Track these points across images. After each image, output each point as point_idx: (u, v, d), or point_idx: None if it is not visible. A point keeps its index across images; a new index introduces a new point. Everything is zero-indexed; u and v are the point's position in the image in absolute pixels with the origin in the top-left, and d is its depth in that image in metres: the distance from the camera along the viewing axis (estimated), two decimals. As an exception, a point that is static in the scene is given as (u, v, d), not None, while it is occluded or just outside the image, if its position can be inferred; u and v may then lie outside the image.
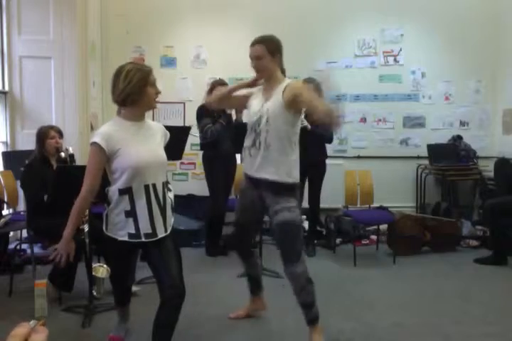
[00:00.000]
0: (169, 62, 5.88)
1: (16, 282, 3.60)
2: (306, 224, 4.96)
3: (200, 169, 5.53)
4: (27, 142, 4.47)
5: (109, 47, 5.77)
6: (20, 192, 4.11)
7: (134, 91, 2.28)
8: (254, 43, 2.64)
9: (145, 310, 2.74)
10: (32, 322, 0.86)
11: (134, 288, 3.24)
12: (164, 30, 5.84)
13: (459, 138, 5.82)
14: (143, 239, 2.34)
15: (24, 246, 4.35)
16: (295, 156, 2.64)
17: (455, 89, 5.98)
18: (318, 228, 5.25)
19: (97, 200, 2.49)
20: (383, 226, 5.03)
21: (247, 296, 3.16)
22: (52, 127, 3.67)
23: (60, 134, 3.64)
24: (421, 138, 5.95)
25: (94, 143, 2.28)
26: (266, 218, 2.91)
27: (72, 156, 3.48)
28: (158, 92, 2.39)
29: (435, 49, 5.93)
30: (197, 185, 5.63)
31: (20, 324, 0.85)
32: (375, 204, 5.14)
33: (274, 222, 2.64)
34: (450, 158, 5.55)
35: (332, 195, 5.33)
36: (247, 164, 2.75)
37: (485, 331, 2.98)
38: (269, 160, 2.58)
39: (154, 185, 2.35)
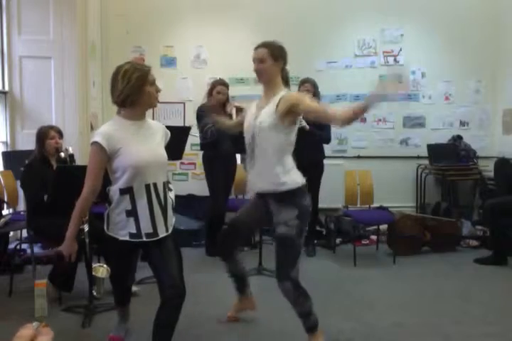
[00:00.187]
0: (169, 62, 5.88)
1: (16, 282, 3.60)
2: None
3: (200, 169, 5.53)
4: (27, 142, 4.47)
5: (109, 47, 5.77)
6: (20, 192, 4.11)
7: (133, 91, 2.28)
8: (257, 46, 2.65)
9: (145, 310, 2.74)
10: (34, 324, 0.86)
11: (134, 288, 3.24)
12: (164, 30, 5.83)
13: (459, 138, 5.82)
14: (144, 239, 2.34)
15: (24, 246, 4.35)
16: (290, 163, 2.61)
17: (455, 89, 5.98)
18: (318, 228, 5.25)
19: (98, 200, 2.49)
20: (383, 226, 5.03)
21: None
22: (52, 127, 3.67)
23: (60, 134, 3.64)
24: (421, 138, 5.95)
25: (95, 143, 2.27)
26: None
27: (72, 156, 3.48)
28: (158, 90, 2.39)
29: (435, 49, 5.93)
30: (197, 185, 5.63)
31: (24, 325, 0.85)
32: (375, 204, 5.15)
33: (275, 234, 2.64)
34: (450, 158, 5.54)
35: (332, 195, 5.33)
36: (248, 178, 2.74)
37: (485, 331, 2.98)
38: (265, 173, 2.58)
39: (155, 185, 2.35)
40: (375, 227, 5.15)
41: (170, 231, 2.42)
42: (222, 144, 4.49)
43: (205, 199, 4.97)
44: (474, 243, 5.06)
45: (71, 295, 3.43)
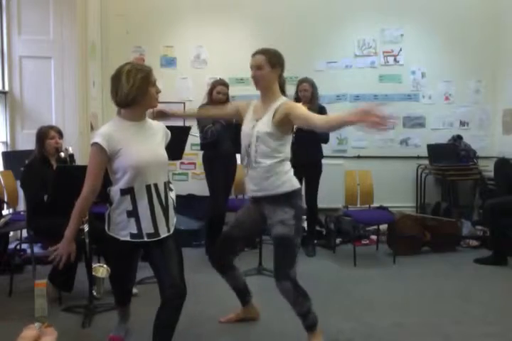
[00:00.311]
0: (169, 62, 5.88)
1: (15, 282, 3.60)
2: (305, 224, 4.97)
3: (200, 169, 5.53)
4: (27, 142, 4.47)
5: (109, 47, 5.77)
6: (20, 192, 4.11)
7: (138, 92, 2.29)
8: (255, 53, 2.65)
9: (145, 310, 2.74)
10: (37, 325, 0.86)
11: (134, 289, 3.24)
12: (164, 30, 5.84)
13: (459, 138, 5.82)
14: (145, 239, 2.35)
15: (24, 246, 4.35)
16: (286, 168, 2.63)
17: (455, 89, 5.98)
18: (318, 228, 5.25)
19: (98, 200, 2.49)
20: (383, 226, 5.03)
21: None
22: (52, 127, 3.67)
23: (60, 134, 3.63)
24: (421, 138, 5.95)
25: (95, 144, 2.28)
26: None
27: (71, 156, 3.48)
28: (158, 91, 2.40)
29: (435, 49, 5.93)
30: (197, 185, 5.63)
31: (27, 326, 0.85)
32: (375, 204, 5.15)
33: (271, 235, 2.66)
34: (450, 158, 5.54)
35: (332, 195, 5.34)
36: (245, 183, 2.76)
37: (485, 331, 2.98)
38: (261, 178, 2.60)
39: (156, 185, 2.35)
40: (375, 227, 5.15)
41: (172, 231, 2.42)
42: (223, 144, 4.49)
43: (205, 199, 4.97)
44: (474, 243, 5.06)
45: (71, 295, 3.43)
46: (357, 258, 4.44)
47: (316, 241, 4.94)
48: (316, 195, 4.73)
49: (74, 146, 3.71)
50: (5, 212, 4.27)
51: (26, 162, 3.57)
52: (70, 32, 5.01)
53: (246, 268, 3.84)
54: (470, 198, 5.81)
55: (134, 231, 2.34)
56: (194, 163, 5.83)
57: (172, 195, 2.47)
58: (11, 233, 4.36)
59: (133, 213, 2.33)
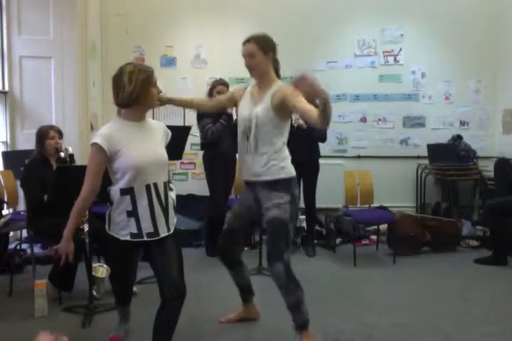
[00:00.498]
0: (169, 62, 5.88)
1: (15, 282, 3.60)
2: (304, 224, 4.98)
3: (200, 169, 5.53)
4: (27, 142, 4.47)
5: (109, 47, 5.77)
6: (20, 192, 4.11)
7: (140, 93, 2.29)
8: (245, 42, 2.65)
9: (145, 310, 2.75)
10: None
11: (135, 289, 3.24)
12: (164, 30, 5.83)
13: (459, 138, 5.81)
14: (145, 238, 2.35)
15: (24, 246, 4.35)
16: (285, 154, 2.64)
17: (455, 89, 5.98)
18: (318, 228, 5.25)
19: (98, 200, 2.49)
20: (383, 226, 5.03)
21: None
22: (52, 127, 3.67)
23: (60, 134, 3.64)
24: (421, 138, 5.95)
25: (95, 144, 2.28)
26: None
27: (71, 156, 3.49)
28: (159, 92, 2.40)
29: (435, 49, 5.92)
30: (197, 185, 5.63)
31: (41, 334, 0.85)
32: (375, 204, 5.15)
33: (265, 220, 2.64)
34: (450, 158, 5.54)
35: (332, 195, 5.34)
36: (241, 169, 2.75)
37: (485, 331, 2.98)
38: (259, 163, 2.59)
39: (155, 185, 2.35)
40: (375, 227, 5.15)
41: (172, 230, 2.42)
42: (223, 144, 4.50)
43: (205, 199, 4.97)
44: (474, 243, 5.06)
45: (71, 295, 3.43)
46: (357, 258, 4.44)
47: (316, 241, 4.94)
48: (314, 195, 4.72)
49: (74, 146, 3.72)
50: (5, 212, 4.27)
51: (26, 162, 3.57)
52: (70, 32, 5.01)
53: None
54: (470, 198, 5.81)
55: (134, 230, 2.34)
56: (194, 163, 5.83)
57: (172, 194, 2.48)
58: (11, 233, 4.36)
59: (133, 213, 2.33)
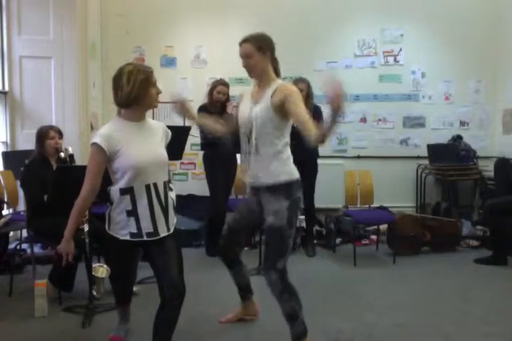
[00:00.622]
0: (169, 62, 5.88)
1: (15, 282, 3.60)
2: (303, 224, 4.97)
3: (200, 169, 5.53)
4: (27, 142, 4.47)
5: (109, 47, 5.77)
6: (20, 192, 4.11)
7: (139, 93, 2.29)
8: (242, 42, 2.61)
9: (145, 310, 2.75)
10: None
11: (135, 288, 3.24)
12: (164, 30, 5.84)
13: (459, 138, 5.82)
14: (145, 238, 2.35)
15: (24, 246, 4.36)
16: (286, 155, 2.59)
17: (455, 89, 5.97)
18: (318, 228, 5.26)
19: (98, 200, 2.49)
20: (383, 226, 5.03)
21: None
22: (52, 127, 3.67)
23: (60, 134, 3.64)
24: (421, 138, 5.95)
25: (95, 144, 2.28)
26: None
27: (71, 156, 3.49)
28: (159, 92, 2.40)
29: (435, 49, 5.92)
30: (197, 185, 5.63)
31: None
32: (375, 204, 5.15)
33: (264, 225, 2.61)
34: (450, 158, 5.54)
35: (332, 195, 5.34)
36: (244, 171, 2.71)
37: (485, 331, 2.98)
38: (260, 165, 2.55)
39: (155, 185, 2.36)
40: (375, 227, 5.15)
41: (171, 230, 2.42)
42: (223, 144, 4.49)
43: (205, 199, 4.97)
44: (474, 243, 5.06)
45: (71, 295, 3.43)
46: (357, 258, 4.44)
47: (316, 241, 4.94)
48: (312, 194, 4.71)
49: (74, 146, 3.72)
50: (5, 212, 4.27)
51: (26, 162, 3.57)
52: (70, 32, 5.01)
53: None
54: (470, 198, 5.81)
55: (134, 230, 2.35)
56: (194, 163, 5.83)
57: (172, 194, 2.48)
58: (11, 233, 4.36)
59: (132, 212, 2.33)
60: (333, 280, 3.98)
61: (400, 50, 5.92)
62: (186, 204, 5.28)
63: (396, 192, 5.82)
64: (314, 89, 4.71)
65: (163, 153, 2.45)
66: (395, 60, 5.94)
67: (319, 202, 4.87)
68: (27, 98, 5.02)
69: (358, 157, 5.93)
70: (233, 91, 4.79)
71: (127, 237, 2.36)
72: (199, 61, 5.89)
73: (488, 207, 4.62)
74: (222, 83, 4.58)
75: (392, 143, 6.00)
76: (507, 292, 3.74)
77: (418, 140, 5.97)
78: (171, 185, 2.49)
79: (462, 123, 6.02)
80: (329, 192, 5.23)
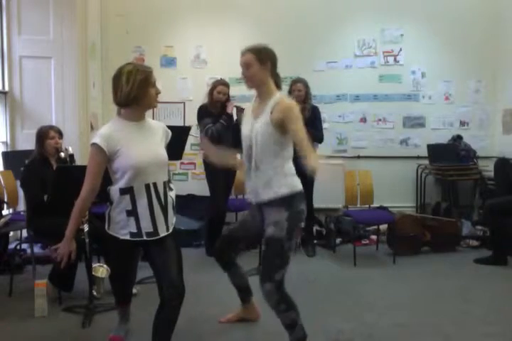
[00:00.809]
0: (169, 62, 5.88)
1: (15, 282, 3.60)
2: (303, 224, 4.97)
3: (200, 169, 5.53)
4: (27, 142, 4.47)
5: (109, 47, 5.77)
6: (20, 192, 4.11)
7: (138, 93, 2.29)
8: (243, 52, 2.59)
9: (145, 310, 2.75)
10: None
11: (134, 289, 3.24)
12: (164, 30, 5.83)
13: (459, 138, 5.82)
14: (144, 238, 2.36)
15: (24, 246, 4.35)
16: (288, 168, 2.56)
17: (455, 89, 5.97)
18: (318, 228, 5.26)
19: (98, 200, 2.49)
20: (383, 226, 5.03)
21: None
22: (52, 127, 3.67)
23: (60, 134, 3.64)
24: (421, 138, 5.95)
25: (94, 144, 2.29)
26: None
27: (71, 156, 3.49)
28: (158, 92, 2.40)
29: (435, 49, 5.92)
30: (197, 185, 5.63)
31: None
32: (375, 204, 5.15)
33: (265, 234, 2.58)
34: (450, 158, 5.54)
35: (332, 195, 5.34)
36: (247, 187, 2.68)
37: (485, 331, 2.98)
38: (262, 180, 2.53)
39: (155, 184, 2.36)
40: (375, 227, 5.15)
41: (170, 230, 2.43)
42: (223, 144, 4.49)
43: (205, 199, 4.97)
44: (474, 243, 5.06)
45: (71, 295, 3.43)
46: (357, 258, 4.44)
47: (316, 241, 4.94)
48: (311, 195, 4.71)
49: (74, 146, 3.72)
50: (5, 212, 4.27)
51: (26, 162, 3.57)
52: (70, 32, 5.01)
53: (246, 268, 3.82)
54: (470, 198, 5.81)
55: (134, 230, 2.35)
56: (194, 163, 5.83)
57: (172, 194, 2.48)
58: (11, 233, 4.36)
59: (132, 212, 2.34)
60: (333, 280, 3.98)
61: (400, 50, 5.92)
62: (186, 204, 5.28)
63: (396, 192, 5.82)
64: (313, 89, 4.71)
65: (163, 153, 2.45)
66: (395, 60, 5.94)
67: (319, 202, 4.87)
68: (27, 98, 5.02)
69: (358, 157, 5.93)
70: (233, 91, 4.80)
71: (127, 237, 2.36)
72: (199, 61, 5.89)
73: (488, 207, 4.61)
74: (222, 83, 4.58)
75: (392, 143, 6.00)
76: (507, 292, 3.74)
77: (418, 140, 5.97)
78: (171, 185, 2.50)
79: (462, 123, 6.02)
80: (329, 192, 5.23)
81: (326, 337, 2.86)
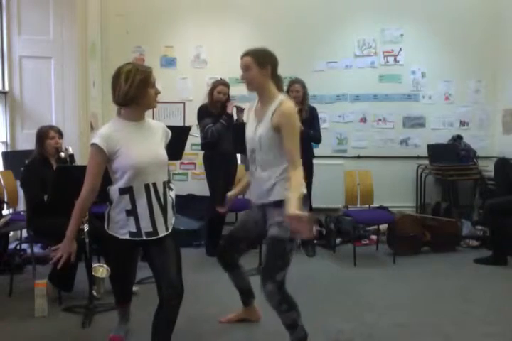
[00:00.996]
0: (169, 62, 5.88)
1: (15, 282, 3.60)
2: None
3: (200, 169, 5.54)
4: (27, 142, 4.48)
5: (109, 47, 5.77)
6: (20, 192, 4.11)
7: (137, 93, 2.29)
8: (243, 55, 2.59)
9: (145, 309, 2.74)
10: None
11: (134, 288, 3.24)
12: (164, 30, 5.84)
13: (459, 138, 5.82)
14: (144, 237, 2.36)
15: (24, 246, 4.35)
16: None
17: (455, 89, 5.98)
18: (318, 228, 5.25)
19: (98, 200, 2.49)
20: (383, 226, 5.03)
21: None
22: (52, 127, 3.67)
23: (60, 134, 3.64)
24: (421, 138, 5.95)
25: (94, 145, 2.29)
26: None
27: (72, 156, 3.49)
28: (157, 93, 2.40)
29: (435, 49, 5.93)
30: (197, 185, 5.64)
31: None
32: (375, 204, 5.15)
33: (267, 235, 2.58)
34: (450, 158, 5.54)
35: (332, 195, 5.34)
36: (250, 189, 2.70)
37: (485, 331, 2.98)
38: (266, 184, 2.53)
39: (154, 184, 2.36)
40: (375, 227, 5.15)
41: (170, 230, 2.43)
42: (223, 144, 4.50)
43: (205, 199, 4.97)
44: (474, 243, 5.06)
45: (71, 295, 3.43)
46: (357, 258, 4.44)
47: (316, 241, 4.93)
48: (310, 195, 4.70)
49: (74, 146, 3.72)
50: (5, 212, 4.27)
51: (26, 162, 3.57)
52: (70, 32, 5.01)
53: (246, 268, 3.83)
54: (470, 198, 5.81)
55: (133, 229, 2.35)
56: (194, 163, 5.83)
57: (172, 194, 2.48)
58: (11, 233, 4.36)
59: (132, 212, 2.34)
60: (333, 280, 3.98)
61: (400, 50, 5.93)
62: (186, 204, 5.28)
63: (396, 192, 5.82)
64: (313, 89, 4.71)
65: (163, 153, 2.45)
66: (395, 60, 5.94)
67: (319, 202, 4.87)
68: (27, 98, 5.03)
69: (358, 157, 5.93)
70: (233, 91, 4.81)
71: (126, 236, 2.37)
72: (199, 61, 5.89)
73: (488, 207, 4.61)
74: (222, 83, 4.58)
75: (392, 143, 6.00)
76: (507, 292, 3.74)
77: (418, 140, 5.97)
78: (171, 185, 2.50)
79: (462, 123, 6.02)
80: (329, 192, 5.23)
81: (326, 337, 2.86)
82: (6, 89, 4.98)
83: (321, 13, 5.84)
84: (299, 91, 4.50)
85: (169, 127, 2.60)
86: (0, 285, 3.68)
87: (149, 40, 5.82)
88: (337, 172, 5.32)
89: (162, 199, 2.38)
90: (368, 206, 4.96)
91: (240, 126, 3.37)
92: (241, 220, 2.87)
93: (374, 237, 5.16)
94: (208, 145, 4.58)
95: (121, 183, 2.32)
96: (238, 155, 4.80)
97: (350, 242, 5.00)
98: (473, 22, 5.90)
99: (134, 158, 2.30)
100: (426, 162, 5.73)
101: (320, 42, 5.86)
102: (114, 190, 2.35)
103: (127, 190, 2.32)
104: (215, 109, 4.53)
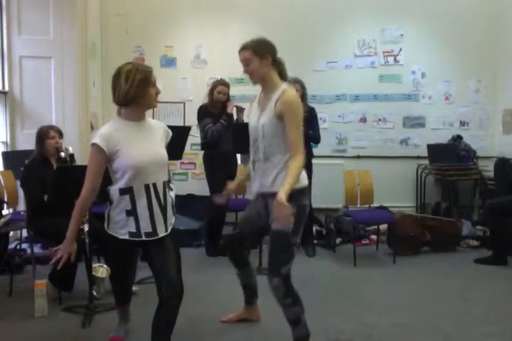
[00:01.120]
0: (169, 62, 5.88)
1: (15, 282, 3.60)
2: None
3: (200, 169, 5.54)
4: (27, 142, 4.48)
5: (109, 47, 5.77)
6: (20, 192, 4.11)
7: (137, 92, 2.29)
8: (240, 49, 2.59)
9: (145, 309, 2.75)
10: None
11: (134, 288, 3.24)
12: (164, 30, 5.84)
13: (459, 138, 5.82)
14: (143, 238, 2.36)
15: (24, 246, 4.35)
16: None
17: (455, 89, 5.98)
18: (318, 228, 5.26)
19: (98, 200, 2.49)
20: (383, 226, 5.03)
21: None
22: (52, 127, 3.67)
23: (60, 134, 3.64)
24: (421, 138, 5.95)
25: (94, 145, 2.29)
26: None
27: (72, 156, 3.49)
28: (158, 92, 2.40)
29: (435, 49, 5.93)
30: (197, 185, 5.64)
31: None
32: (375, 204, 5.14)
33: (270, 229, 2.58)
34: (450, 158, 5.54)
35: (332, 195, 5.34)
36: (252, 179, 2.69)
37: (485, 331, 2.98)
38: (269, 173, 2.53)
39: (154, 185, 2.36)
40: (375, 227, 5.15)
41: (169, 230, 2.42)
42: (223, 144, 4.50)
43: (205, 199, 4.97)
44: (474, 243, 5.06)
45: (71, 295, 3.43)
46: (357, 258, 4.44)
47: (316, 241, 4.94)
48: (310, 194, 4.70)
49: (74, 146, 3.72)
50: (5, 212, 4.27)
51: (26, 162, 3.57)
52: (70, 32, 5.01)
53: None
54: (470, 198, 5.81)
55: (133, 230, 2.35)
56: (194, 163, 5.83)
57: (171, 194, 2.48)
58: (11, 233, 4.36)
59: (132, 212, 2.34)
60: (333, 280, 3.98)
61: (400, 50, 5.93)
62: (186, 204, 5.28)
63: (396, 192, 5.82)
64: (313, 89, 4.70)
65: (164, 153, 2.45)
66: (395, 60, 5.94)
67: (319, 202, 4.87)
68: (27, 98, 5.02)
69: (358, 157, 5.93)
70: (233, 91, 4.81)
71: (126, 236, 2.37)
72: (199, 61, 5.90)
73: (488, 207, 4.61)
74: (222, 83, 4.58)
75: (392, 143, 6.00)
76: (507, 292, 3.74)
77: (418, 140, 5.97)
78: (171, 185, 2.50)
79: (462, 123, 6.02)
80: (329, 192, 5.23)
81: (326, 337, 2.86)
82: (6, 89, 4.98)
83: (321, 13, 5.85)
84: (298, 91, 4.50)
85: (169, 127, 2.60)
86: (0, 285, 3.68)
87: (149, 40, 5.82)
88: (337, 172, 5.32)
89: (162, 200, 2.38)
90: (367, 206, 4.96)
91: (240, 126, 3.38)
92: (242, 217, 2.87)
93: (374, 237, 5.16)
94: (208, 145, 4.58)
95: (121, 183, 2.32)
96: (238, 155, 4.80)
97: (350, 242, 5.00)
98: (473, 22, 5.90)
99: (135, 157, 2.30)
100: (426, 162, 5.73)
101: (320, 42, 5.86)
102: (114, 190, 2.35)
103: (127, 191, 2.32)
104: (215, 109, 4.53)
